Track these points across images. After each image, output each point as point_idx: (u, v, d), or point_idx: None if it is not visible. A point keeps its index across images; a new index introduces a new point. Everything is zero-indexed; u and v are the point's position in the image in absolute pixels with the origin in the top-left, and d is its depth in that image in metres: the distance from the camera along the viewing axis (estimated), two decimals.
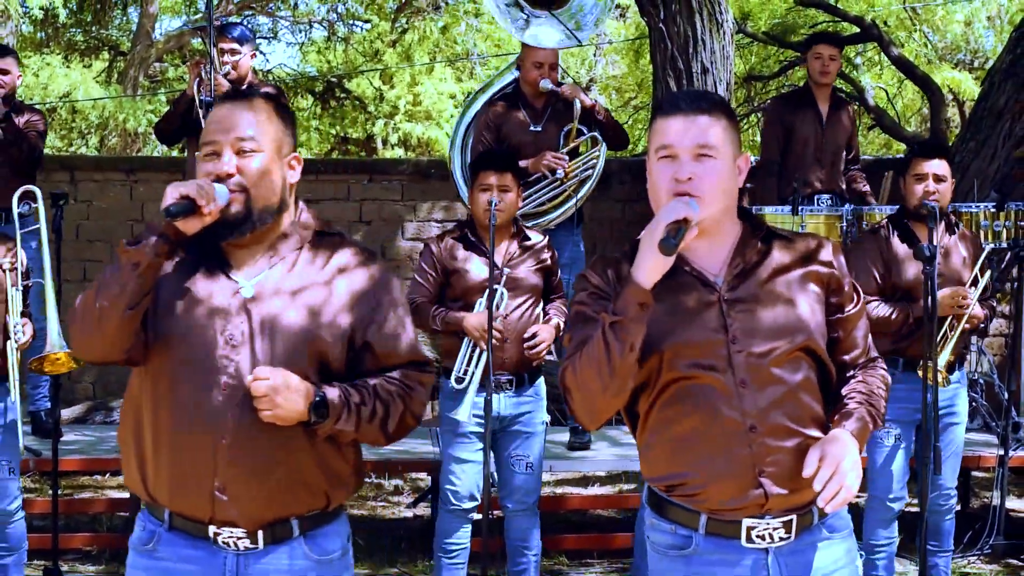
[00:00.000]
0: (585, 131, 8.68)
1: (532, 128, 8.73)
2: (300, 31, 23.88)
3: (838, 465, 3.39)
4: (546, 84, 8.65)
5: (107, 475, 10.12)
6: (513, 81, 8.90)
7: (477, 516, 6.90)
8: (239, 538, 3.57)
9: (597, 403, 3.56)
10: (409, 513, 9.52)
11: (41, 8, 18.31)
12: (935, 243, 6.16)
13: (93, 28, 22.67)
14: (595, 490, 9.92)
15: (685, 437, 3.59)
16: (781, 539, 3.59)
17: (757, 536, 3.59)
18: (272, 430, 3.48)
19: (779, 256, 3.67)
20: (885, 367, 3.79)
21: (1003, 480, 8.22)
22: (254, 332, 3.55)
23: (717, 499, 3.59)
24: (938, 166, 6.88)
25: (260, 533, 3.58)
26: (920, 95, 16.77)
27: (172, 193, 3.43)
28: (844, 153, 9.72)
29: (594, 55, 23.19)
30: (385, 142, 22.54)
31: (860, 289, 3.77)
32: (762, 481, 3.53)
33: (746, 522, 3.58)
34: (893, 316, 6.75)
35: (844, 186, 9.67)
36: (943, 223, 6.98)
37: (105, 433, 9.60)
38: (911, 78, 13.87)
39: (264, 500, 3.54)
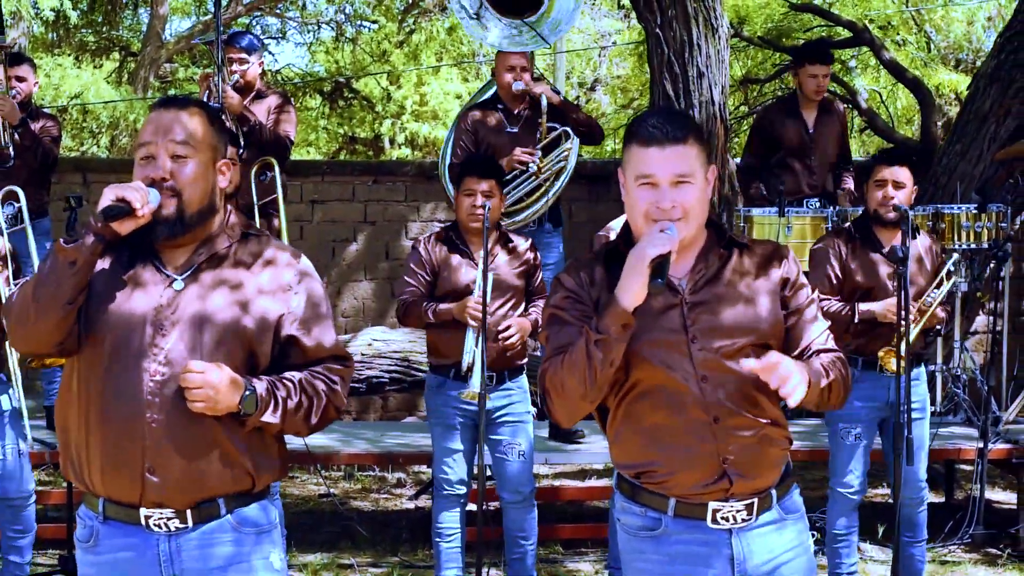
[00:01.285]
0: (557, 127, 8.96)
1: (508, 130, 9.01)
2: (308, 31, 24.13)
3: (780, 363, 3.69)
4: (518, 86, 8.94)
5: None
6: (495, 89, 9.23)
7: (473, 507, 7.15)
8: (169, 519, 3.77)
9: (575, 406, 3.87)
10: (411, 505, 9.80)
11: (53, 9, 18.50)
12: (906, 245, 6.40)
13: (104, 29, 22.88)
14: (592, 482, 10.18)
15: (653, 429, 3.90)
16: (743, 520, 3.91)
17: (721, 518, 3.91)
18: (199, 415, 3.69)
19: (738, 262, 3.99)
20: (841, 356, 4.06)
21: (983, 472, 8.48)
22: (184, 323, 3.76)
23: (685, 485, 3.90)
24: (898, 172, 7.13)
25: (188, 512, 3.78)
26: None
27: (109, 195, 3.66)
28: (834, 156, 10.01)
29: (599, 56, 23.38)
30: (392, 142, 22.72)
31: (815, 289, 4.09)
32: (726, 468, 3.86)
33: (711, 505, 3.90)
34: (842, 313, 7.05)
35: (833, 188, 9.97)
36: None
37: None
38: (902, 81, 14.06)
39: (192, 480, 3.74)
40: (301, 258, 4.00)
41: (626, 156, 3.92)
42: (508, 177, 8.54)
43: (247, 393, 3.70)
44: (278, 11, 22.93)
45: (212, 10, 22.14)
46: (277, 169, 8.66)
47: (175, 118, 3.85)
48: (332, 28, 23.36)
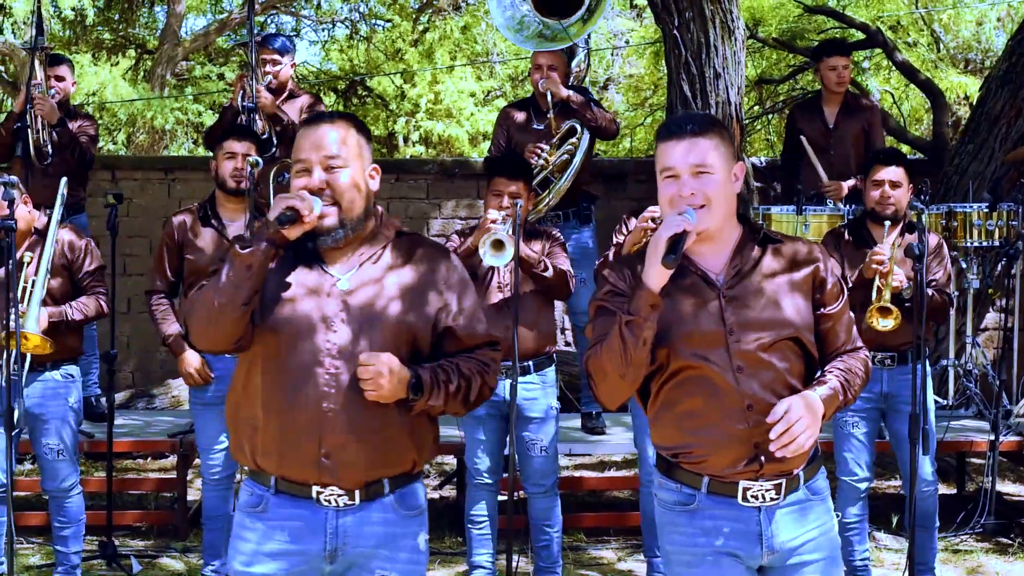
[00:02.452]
0: (569, 122, 9.28)
1: (535, 126, 9.38)
2: (323, 30, 24.30)
3: (795, 422, 4.01)
4: (542, 83, 9.32)
5: (148, 458, 10.70)
6: None
7: (503, 497, 7.42)
8: (339, 496, 4.11)
9: (616, 388, 4.20)
10: (436, 495, 10.03)
11: (72, 8, 18.71)
12: (923, 243, 6.63)
13: (120, 27, 23.06)
14: (611, 473, 10.42)
15: (690, 414, 4.22)
16: (772, 499, 4.22)
17: (751, 496, 4.21)
18: (371, 404, 4.03)
19: (773, 258, 4.30)
20: (868, 354, 4.40)
21: (994, 464, 8.71)
22: (353, 319, 4.09)
23: (718, 466, 4.22)
24: (894, 172, 7.43)
25: (357, 492, 4.13)
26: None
27: (279, 205, 4.00)
28: (859, 153, 10.18)
29: (612, 55, 23.52)
30: (407, 139, 22.88)
31: (844, 288, 4.37)
32: (758, 451, 4.15)
33: (742, 484, 4.21)
34: None
35: (862, 184, 10.17)
36: (901, 224, 7.48)
37: (152, 418, 10.19)
38: (914, 82, 14.26)
39: (363, 464, 4.09)
40: (451, 255, 4.32)
41: (656, 156, 4.25)
42: None
43: (413, 380, 4.02)
44: (293, 10, 23.06)
45: (228, 9, 22.55)
46: None
47: (325, 132, 4.17)
48: (347, 26, 23.51)
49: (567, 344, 7.66)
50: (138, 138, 22.64)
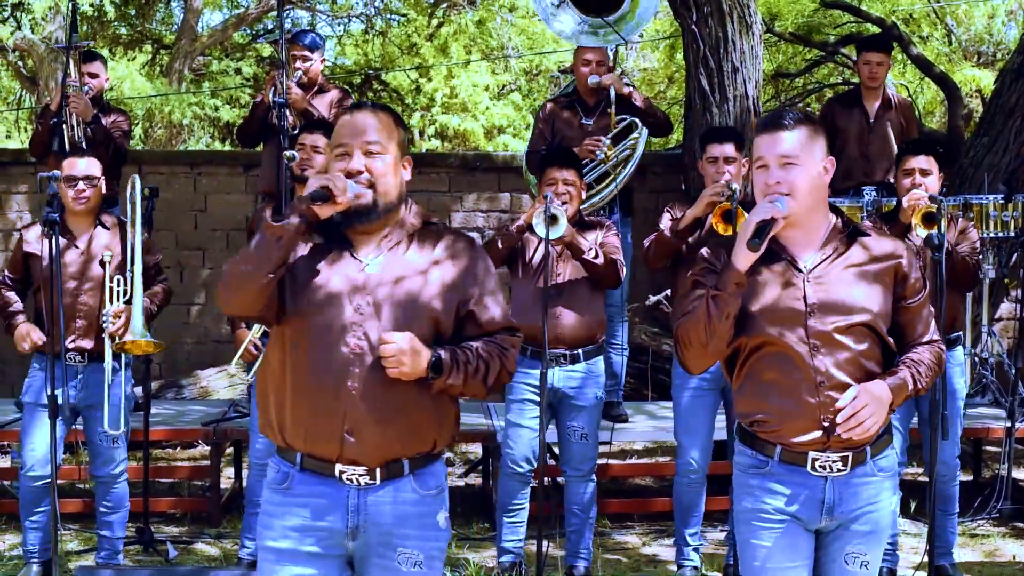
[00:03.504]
0: (628, 117, 9.45)
1: (583, 122, 9.49)
2: (339, 24, 24.45)
3: (861, 408, 4.42)
4: (594, 80, 9.41)
5: (177, 448, 10.92)
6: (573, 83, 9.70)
7: (534, 483, 7.58)
8: (360, 475, 4.28)
9: (700, 355, 4.64)
10: (462, 483, 10.24)
11: (90, 4, 18.87)
12: (942, 233, 6.78)
13: (137, 22, 23.23)
14: (633, 460, 10.58)
15: (767, 385, 4.61)
16: (839, 470, 4.58)
17: (819, 466, 4.57)
18: (393, 384, 4.20)
19: (859, 250, 4.63)
20: (943, 348, 4.74)
21: (1010, 450, 8.89)
22: (379, 302, 4.27)
23: (789, 436, 4.57)
24: (924, 161, 7.58)
25: (378, 471, 4.29)
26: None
27: (313, 184, 4.19)
28: (895, 148, 10.26)
29: (626, 49, 23.66)
30: (422, 134, 23.04)
31: (927, 285, 4.70)
32: (824, 425, 4.50)
33: (811, 454, 4.57)
34: None
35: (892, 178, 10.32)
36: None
37: (184, 407, 10.37)
38: (929, 76, 14.42)
39: (384, 442, 4.26)
40: (475, 243, 4.51)
41: (752, 148, 4.68)
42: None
43: (434, 359, 4.19)
44: (308, 4, 23.22)
45: (244, 4, 22.68)
46: None
47: (366, 120, 4.36)
48: (362, 21, 23.65)
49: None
50: (156, 133, 22.79)
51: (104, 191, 7.78)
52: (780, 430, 4.58)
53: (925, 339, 4.67)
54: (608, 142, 9.29)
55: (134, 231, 7.63)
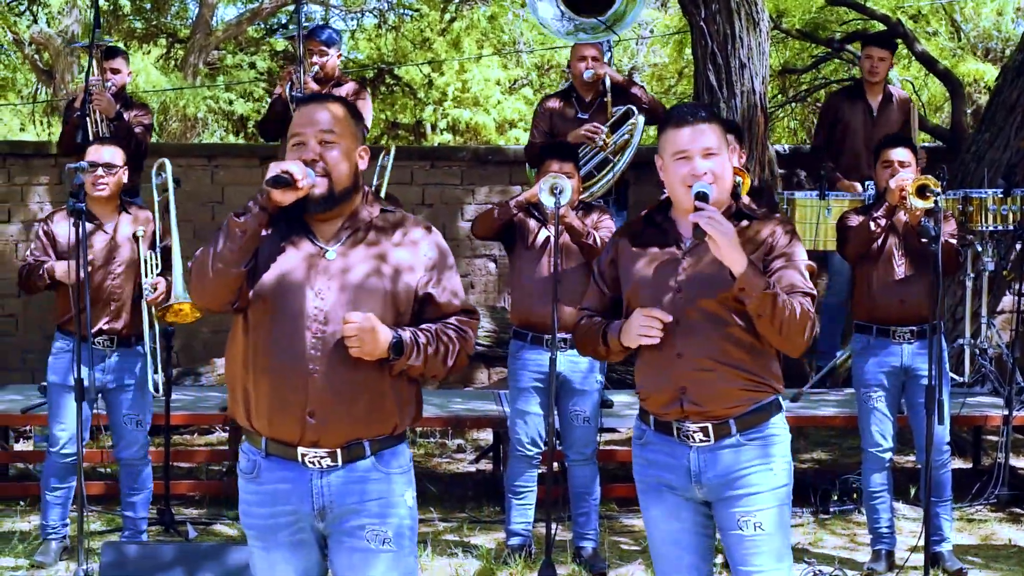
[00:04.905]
0: (623, 107, 9.72)
1: (580, 116, 9.76)
2: (352, 19, 24.62)
3: (717, 216, 4.59)
4: (588, 74, 9.71)
5: (195, 434, 11.15)
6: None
7: (543, 469, 7.83)
8: (322, 457, 4.42)
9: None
10: (473, 468, 10.48)
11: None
12: (938, 224, 7.03)
13: (152, 16, 23.42)
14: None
15: (645, 360, 4.87)
16: (701, 440, 4.77)
17: (683, 435, 4.79)
18: (355, 366, 4.33)
19: (740, 228, 4.81)
20: (810, 307, 4.76)
21: (1008, 438, 9.07)
22: (339, 286, 4.42)
23: (655, 406, 4.83)
24: (902, 153, 7.83)
25: (339, 452, 4.41)
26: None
27: (274, 169, 4.35)
28: None
29: (636, 44, 23.81)
30: (434, 127, 23.21)
31: (793, 252, 4.84)
32: (682, 396, 4.73)
33: (675, 424, 4.79)
34: (863, 224, 7.76)
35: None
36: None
37: (202, 393, 10.63)
38: (933, 72, 14.55)
39: (345, 424, 4.39)
40: (432, 228, 4.67)
41: (662, 141, 4.87)
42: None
43: (395, 340, 4.34)
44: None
45: None
46: None
47: (321, 111, 4.54)
48: (375, 16, 23.81)
49: None
50: (171, 126, 22.98)
51: (125, 182, 8.00)
52: (649, 400, 4.87)
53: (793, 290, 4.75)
54: (606, 130, 9.53)
55: (167, 211, 7.92)
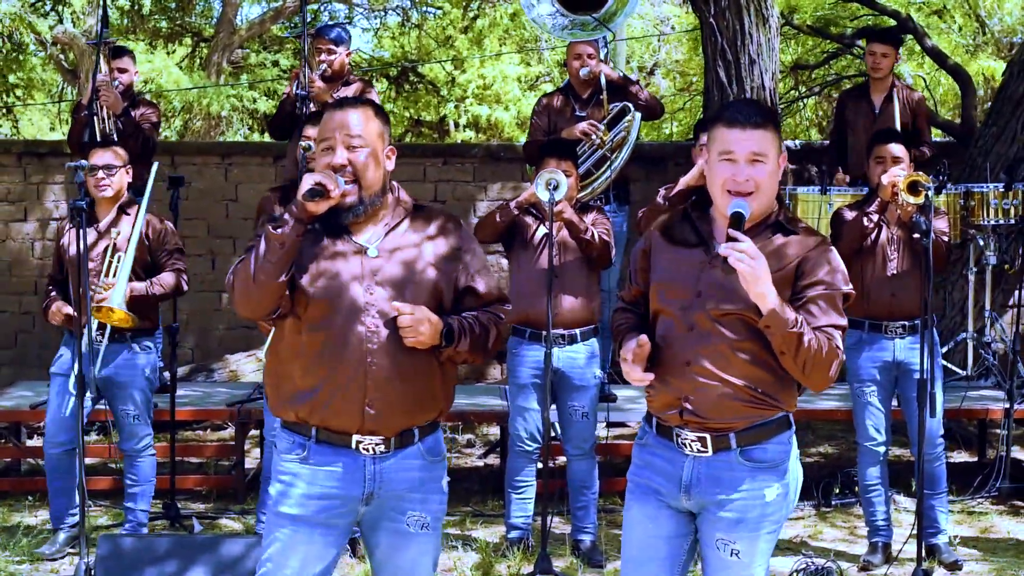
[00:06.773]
0: (619, 104, 9.76)
1: (577, 113, 9.83)
2: (375, 17, 24.66)
3: (749, 249, 4.35)
4: (584, 72, 9.79)
5: (207, 430, 11.25)
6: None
7: (541, 465, 7.91)
8: (376, 444, 4.60)
9: None
10: (480, 463, 10.55)
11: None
12: (929, 219, 7.09)
13: (177, 15, 23.52)
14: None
15: (655, 360, 4.67)
16: (699, 451, 4.62)
17: (681, 442, 4.65)
18: (408, 356, 4.54)
19: (783, 241, 4.63)
20: (839, 343, 4.57)
21: (1009, 431, 9.11)
22: (385, 281, 4.59)
23: (658, 408, 4.71)
24: (895, 149, 7.84)
25: (392, 440, 4.62)
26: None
27: (308, 181, 4.48)
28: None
29: (658, 41, 23.84)
30: (456, 124, 23.30)
31: (831, 281, 4.60)
32: (683, 404, 4.61)
33: (675, 429, 4.67)
34: (857, 217, 7.77)
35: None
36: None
37: (211, 389, 10.74)
38: (943, 67, 14.55)
39: (401, 413, 4.59)
40: (461, 223, 4.84)
41: (712, 134, 4.67)
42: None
43: (445, 328, 4.53)
44: None
45: None
46: None
47: (349, 115, 4.67)
48: (398, 14, 23.85)
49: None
50: (194, 124, 23.06)
51: (131, 180, 8.11)
52: (653, 402, 4.74)
53: (824, 325, 4.51)
54: (603, 127, 9.59)
55: (138, 212, 7.97)
